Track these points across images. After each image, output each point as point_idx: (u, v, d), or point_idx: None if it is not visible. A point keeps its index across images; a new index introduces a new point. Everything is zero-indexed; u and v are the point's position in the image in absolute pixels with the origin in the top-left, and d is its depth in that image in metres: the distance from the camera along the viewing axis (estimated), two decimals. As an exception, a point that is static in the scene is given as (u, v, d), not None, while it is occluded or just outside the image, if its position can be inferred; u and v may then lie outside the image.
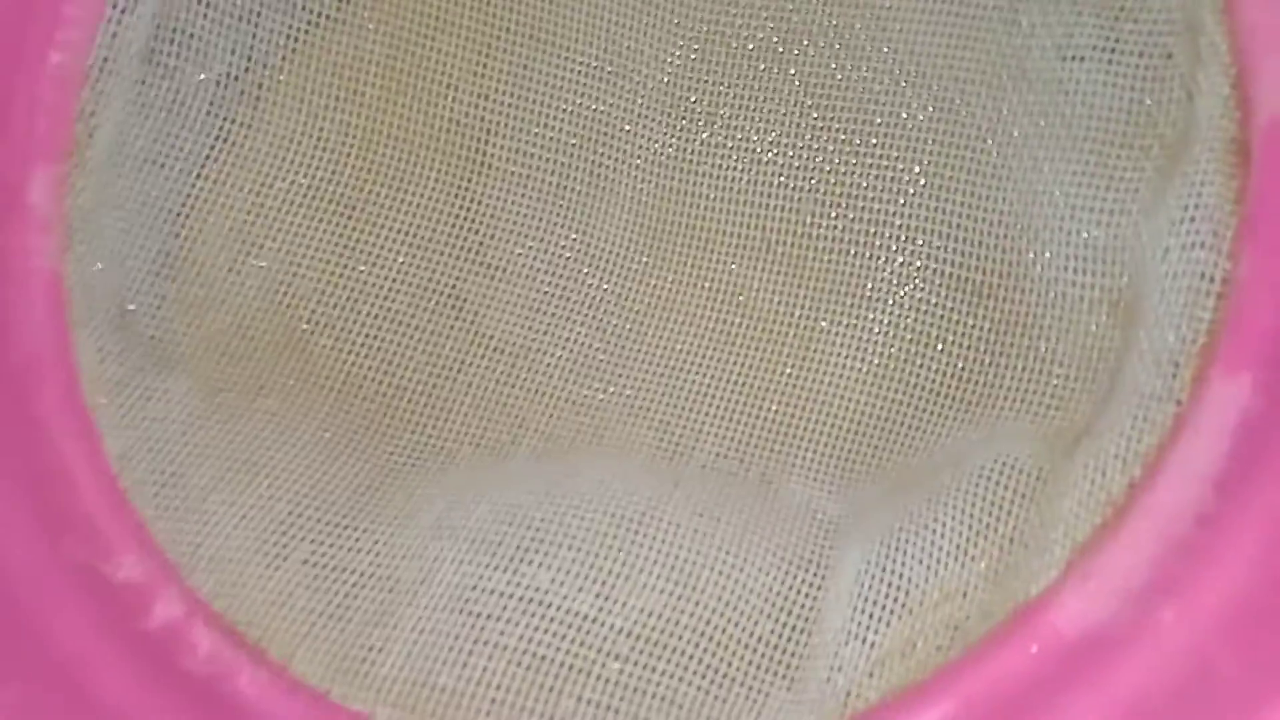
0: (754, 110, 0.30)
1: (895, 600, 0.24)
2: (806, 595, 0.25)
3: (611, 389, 0.29)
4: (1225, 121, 0.24)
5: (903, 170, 0.29)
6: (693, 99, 0.30)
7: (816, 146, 0.29)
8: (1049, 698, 0.21)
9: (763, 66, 0.30)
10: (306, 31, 0.29)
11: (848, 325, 0.29)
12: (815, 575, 0.25)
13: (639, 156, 0.30)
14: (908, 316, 0.28)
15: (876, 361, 0.28)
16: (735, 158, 0.30)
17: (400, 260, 0.30)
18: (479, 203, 0.30)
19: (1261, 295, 0.23)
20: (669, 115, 0.30)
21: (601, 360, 0.29)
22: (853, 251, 0.29)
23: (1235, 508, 0.21)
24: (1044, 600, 0.22)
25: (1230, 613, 0.21)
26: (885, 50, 0.29)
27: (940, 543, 0.24)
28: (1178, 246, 0.24)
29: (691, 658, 0.24)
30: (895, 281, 0.29)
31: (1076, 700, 0.21)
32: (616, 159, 0.30)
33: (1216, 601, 0.21)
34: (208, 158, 0.28)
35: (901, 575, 0.24)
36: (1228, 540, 0.21)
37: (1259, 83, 0.23)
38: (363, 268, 0.29)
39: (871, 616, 0.24)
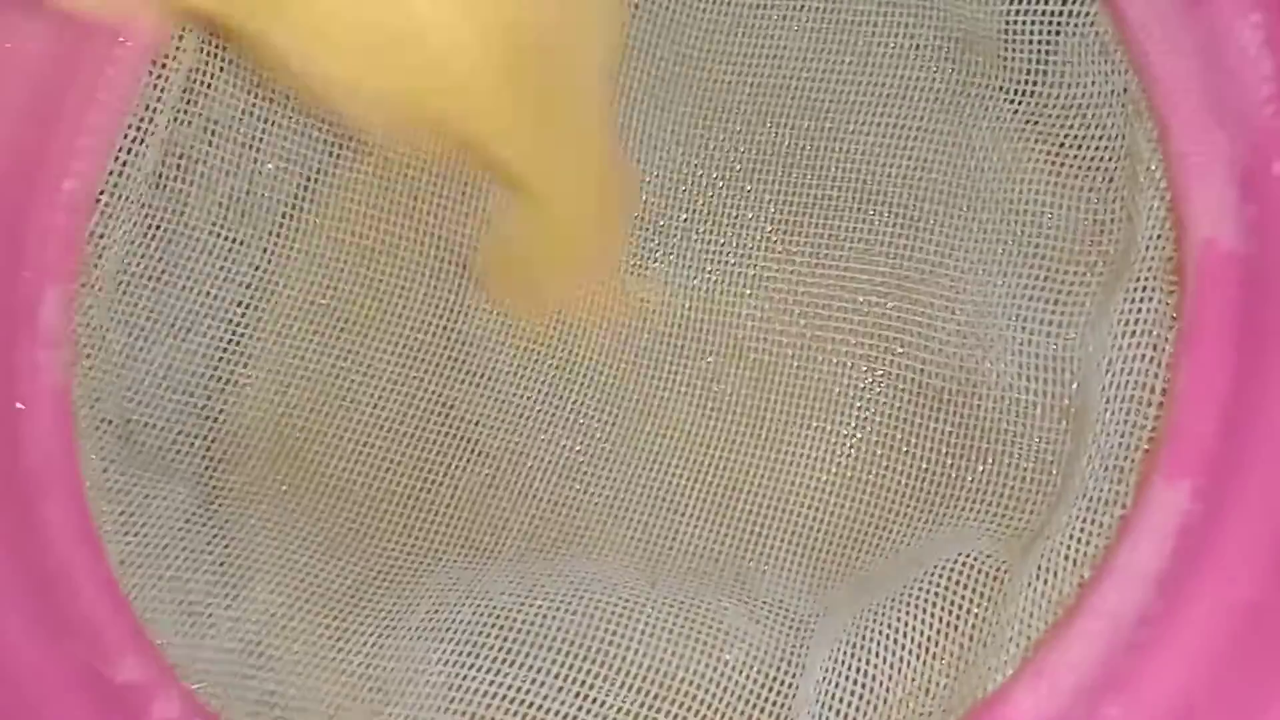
0: (728, 226, 0.32)
1: (861, 697, 0.25)
2: (778, 694, 0.26)
3: (592, 491, 0.30)
4: (1162, 242, 0.25)
5: (866, 282, 0.30)
6: (671, 214, 0.32)
7: (786, 259, 0.31)
8: (1005, 792, 0.23)
9: (738, 187, 0.32)
10: (305, 157, 0.31)
11: (817, 429, 0.30)
12: (787, 674, 0.26)
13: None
14: (874, 422, 0.30)
15: (845, 464, 0.30)
16: (710, 269, 0.32)
17: (390, 370, 0.31)
18: (465, 315, 0.32)
19: (1199, 406, 0.24)
20: (647, 231, 0.32)
21: (582, 463, 0.31)
22: (820, 359, 0.30)
23: (1176, 608, 0.23)
24: (1000, 696, 0.23)
25: (1172, 708, 0.22)
26: (853, 175, 0.31)
27: (904, 641, 0.26)
28: (1120, 359, 0.25)
29: (668, 756, 0.25)
30: (861, 388, 0.30)
31: (1031, 795, 0.22)
32: (596, 270, 0.32)
33: (1159, 698, 0.22)
34: (207, 275, 0.30)
35: (867, 673, 0.26)
36: (1169, 639, 0.22)
37: (1192, 206, 0.25)
38: (354, 377, 0.31)
39: (838, 713, 0.25)
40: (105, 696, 0.24)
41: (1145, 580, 0.23)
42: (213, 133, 0.29)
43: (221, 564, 0.27)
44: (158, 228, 0.29)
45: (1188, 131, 0.25)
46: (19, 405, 0.26)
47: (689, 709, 0.26)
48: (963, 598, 0.26)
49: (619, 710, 0.26)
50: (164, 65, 0.28)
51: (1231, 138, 0.25)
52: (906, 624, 0.26)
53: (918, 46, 0.30)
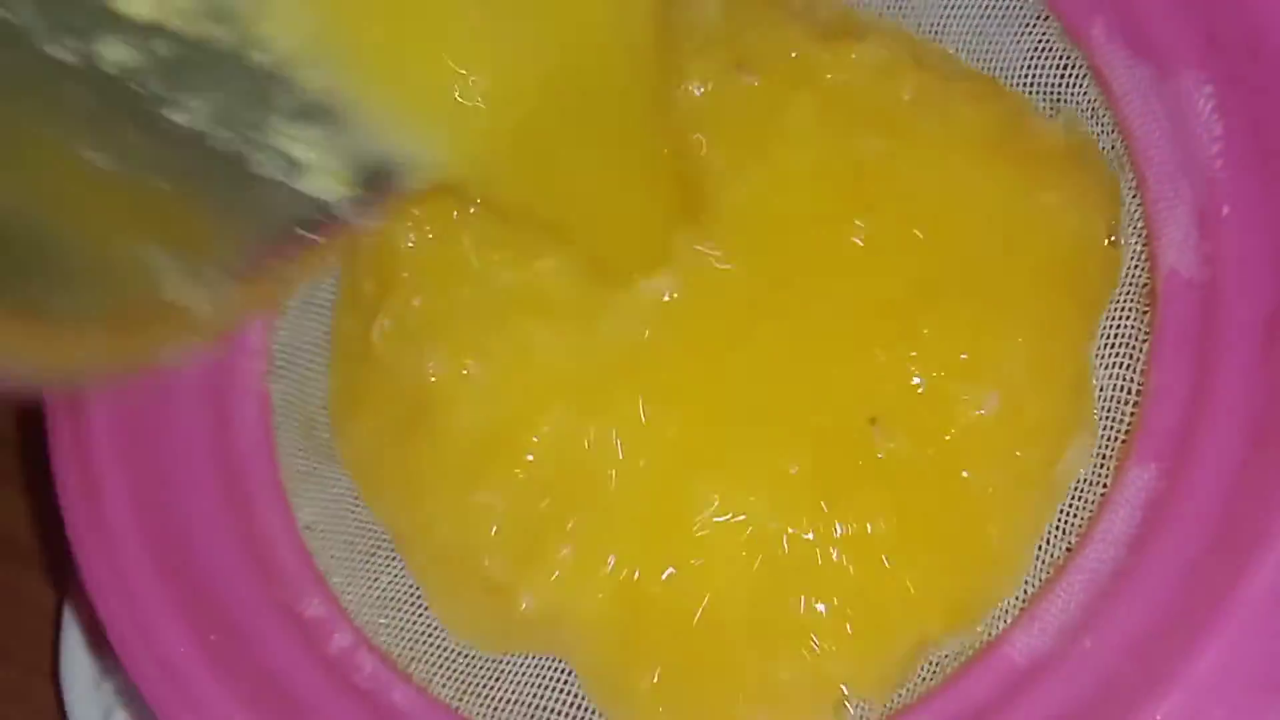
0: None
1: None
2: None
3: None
4: (1138, 270, 0.30)
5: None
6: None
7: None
8: (1003, 709, 0.28)
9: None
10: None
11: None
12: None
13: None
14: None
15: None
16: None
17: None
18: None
19: (1166, 403, 0.28)
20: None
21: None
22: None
23: (1141, 563, 0.27)
24: (1002, 638, 0.28)
25: (1134, 639, 0.26)
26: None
27: (927, 598, 0.31)
28: (1102, 365, 0.30)
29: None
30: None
31: (1022, 708, 0.27)
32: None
33: (1125, 631, 0.26)
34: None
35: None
36: (1135, 588, 0.27)
37: (1161, 242, 0.29)
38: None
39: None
40: (298, 626, 0.31)
41: (1118, 543, 0.28)
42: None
43: (380, 534, 0.33)
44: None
45: (1159, 180, 0.29)
46: (231, 403, 0.33)
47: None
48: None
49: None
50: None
51: (1192, 185, 0.29)
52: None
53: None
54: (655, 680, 0.30)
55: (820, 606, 0.29)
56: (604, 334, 0.31)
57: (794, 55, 0.33)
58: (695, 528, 0.30)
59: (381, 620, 0.32)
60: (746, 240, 0.32)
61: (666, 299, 0.31)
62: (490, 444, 0.31)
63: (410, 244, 0.32)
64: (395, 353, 0.32)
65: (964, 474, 0.30)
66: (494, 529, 0.30)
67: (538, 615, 0.30)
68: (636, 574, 0.30)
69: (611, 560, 0.30)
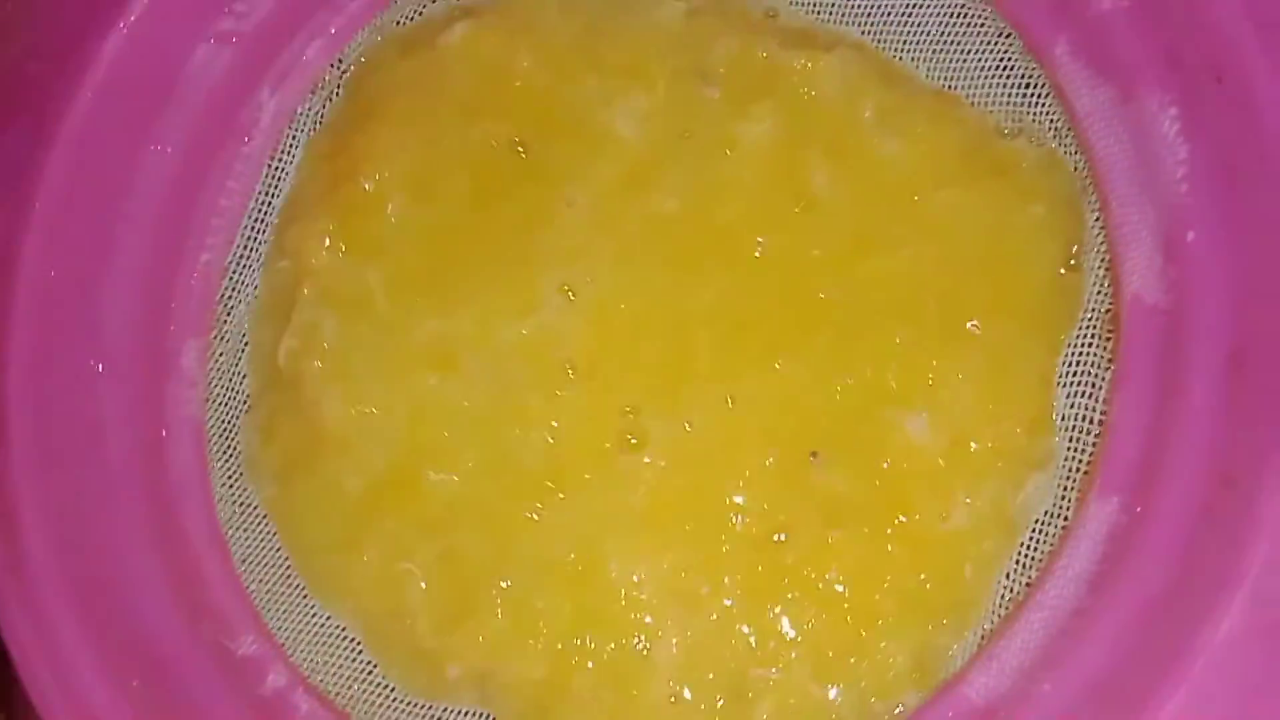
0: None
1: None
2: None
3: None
4: (1101, 296, 0.29)
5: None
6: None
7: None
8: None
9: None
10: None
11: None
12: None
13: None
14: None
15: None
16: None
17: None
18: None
19: (1128, 434, 0.28)
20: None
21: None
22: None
23: (1102, 602, 0.26)
24: (959, 676, 0.28)
25: (1094, 682, 0.26)
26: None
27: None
28: (1064, 395, 0.29)
29: None
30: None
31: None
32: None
33: (1084, 674, 0.26)
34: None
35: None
36: (1096, 627, 0.26)
37: (1125, 267, 0.29)
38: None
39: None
40: (230, 666, 0.29)
41: (1078, 579, 0.27)
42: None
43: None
44: (273, 288, 0.33)
45: (1122, 204, 0.29)
46: (164, 432, 0.32)
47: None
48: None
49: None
50: (279, 159, 0.34)
51: (1156, 209, 0.28)
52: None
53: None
54: None
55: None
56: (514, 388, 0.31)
57: (764, 55, 0.32)
58: (622, 593, 0.29)
59: (319, 659, 0.31)
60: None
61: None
62: (388, 493, 0.30)
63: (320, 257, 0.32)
64: (299, 380, 0.31)
65: (903, 513, 0.29)
66: (422, 586, 0.30)
67: (467, 679, 0.29)
68: (563, 641, 0.29)
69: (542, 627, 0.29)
